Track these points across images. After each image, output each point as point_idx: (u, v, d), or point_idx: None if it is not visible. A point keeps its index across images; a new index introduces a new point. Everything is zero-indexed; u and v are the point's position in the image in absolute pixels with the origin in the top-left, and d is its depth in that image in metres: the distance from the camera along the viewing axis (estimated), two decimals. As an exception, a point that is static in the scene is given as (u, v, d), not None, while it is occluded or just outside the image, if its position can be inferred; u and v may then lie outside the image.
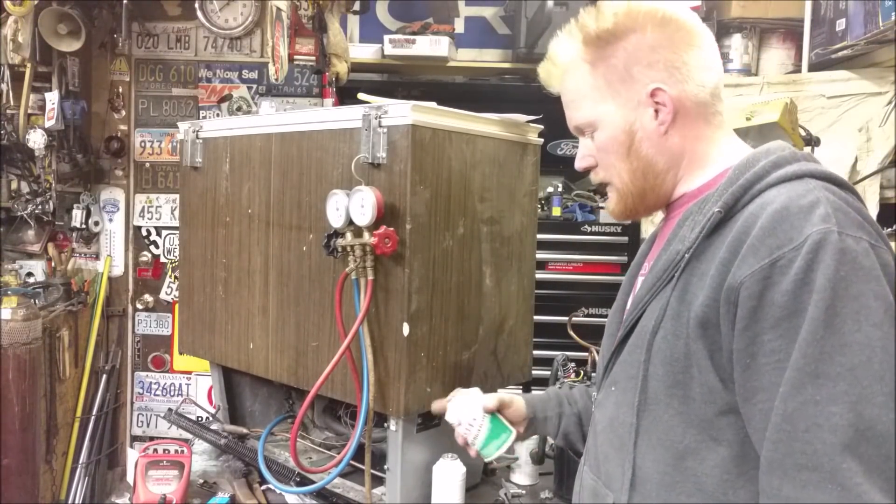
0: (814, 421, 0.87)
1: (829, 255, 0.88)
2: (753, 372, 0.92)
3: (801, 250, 0.89)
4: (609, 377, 1.15)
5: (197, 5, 3.33)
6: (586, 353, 1.97)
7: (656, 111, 1.07)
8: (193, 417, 2.30)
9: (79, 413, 3.32)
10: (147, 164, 3.49)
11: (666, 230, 1.16)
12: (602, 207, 3.56)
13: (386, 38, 3.61)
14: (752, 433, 0.95)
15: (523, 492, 1.86)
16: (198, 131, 2.06)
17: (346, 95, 3.30)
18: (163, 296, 3.51)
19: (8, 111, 3.01)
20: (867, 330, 0.87)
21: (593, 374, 1.91)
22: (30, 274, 3.34)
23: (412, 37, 3.58)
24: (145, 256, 3.50)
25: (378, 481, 1.70)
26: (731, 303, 0.94)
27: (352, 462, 1.65)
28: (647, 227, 3.47)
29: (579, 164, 1.18)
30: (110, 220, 3.48)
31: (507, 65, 3.83)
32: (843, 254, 0.88)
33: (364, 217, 1.51)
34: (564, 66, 1.15)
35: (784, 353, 0.89)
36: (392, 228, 1.50)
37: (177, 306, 3.38)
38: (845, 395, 0.86)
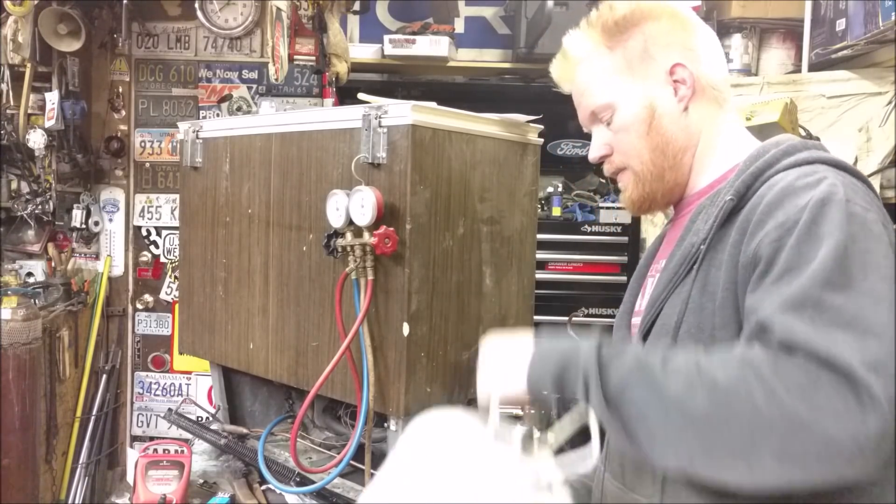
0: (807, 336, 0.82)
1: (834, 210, 0.89)
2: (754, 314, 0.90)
3: (805, 209, 0.90)
4: None
5: (197, 5, 3.33)
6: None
7: (675, 90, 1.12)
8: (193, 417, 2.30)
9: (79, 413, 3.32)
10: (147, 164, 3.49)
11: (676, 229, 1.16)
12: (602, 207, 3.56)
13: (386, 38, 3.61)
14: None
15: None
16: (198, 131, 2.06)
17: (346, 95, 3.30)
18: (163, 296, 3.51)
19: (8, 111, 3.01)
20: (873, 280, 0.85)
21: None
22: (30, 274, 3.34)
23: (412, 37, 3.58)
24: (145, 256, 3.50)
25: (378, 481, 1.70)
26: (746, 281, 0.93)
27: (352, 462, 1.65)
28: (648, 228, 3.47)
29: (595, 154, 1.18)
30: (110, 220, 3.48)
31: (507, 65, 3.83)
32: (851, 215, 0.89)
33: (364, 217, 1.51)
34: (579, 57, 1.17)
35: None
36: (392, 228, 1.50)
37: (177, 306, 3.38)
38: (848, 326, 0.82)
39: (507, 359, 1.04)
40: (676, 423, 0.85)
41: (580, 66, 1.17)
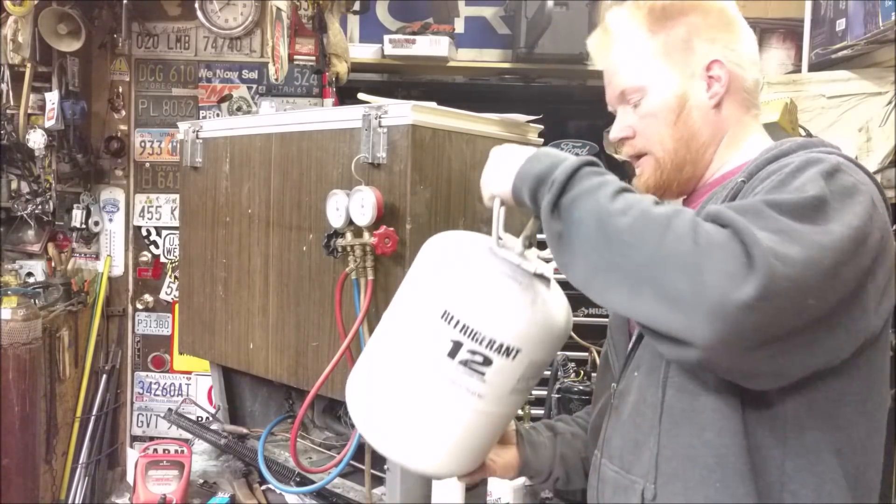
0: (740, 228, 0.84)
1: (816, 169, 0.90)
2: None
3: (792, 165, 0.92)
4: (631, 363, 1.13)
5: (197, 5, 3.33)
6: (586, 353, 1.97)
7: (709, 85, 1.12)
8: (193, 417, 2.30)
9: (79, 413, 3.32)
10: (147, 164, 3.49)
11: None
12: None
13: (386, 38, 3.60)
14: None
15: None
16: (198, 131, 2.06)
17: (346, 95, 3.30)
18: (163, 296, 3.51)
19: (8, 111, 3.01)
20: (832, 224, 0.86)
21: (593, 375, 1.92)
22: (30, 274, 3.34)
23: (412, 37, 3.58)
24: (145, 256, 3.50)
25: (378, 481, 1.70)
26: None
27: (352, 462, 1.65)
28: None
29: (617, 135, 1.18)
30: (110, 220, 3.48)
31: (507, 65, 3.82)
32: (841, 183, 0.90)
33: (364, 217, 1.51)
34: (619, 34, 1.16)
35: None
36: (392, 228, 1.50)
37: (177, 306, 3.38)
38: (778, 232, 0.83)
39: (506, 161, 1.07)
40: (598, 237, 0.90)
41: (618, 43, 1.16)
